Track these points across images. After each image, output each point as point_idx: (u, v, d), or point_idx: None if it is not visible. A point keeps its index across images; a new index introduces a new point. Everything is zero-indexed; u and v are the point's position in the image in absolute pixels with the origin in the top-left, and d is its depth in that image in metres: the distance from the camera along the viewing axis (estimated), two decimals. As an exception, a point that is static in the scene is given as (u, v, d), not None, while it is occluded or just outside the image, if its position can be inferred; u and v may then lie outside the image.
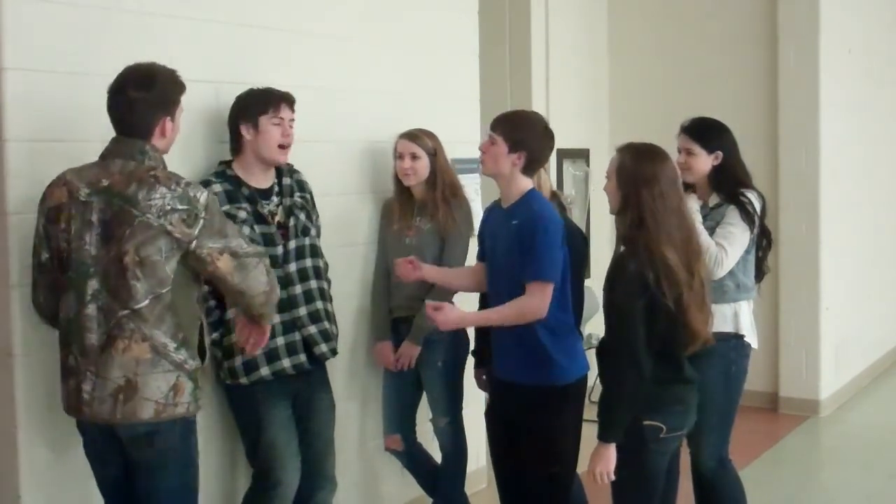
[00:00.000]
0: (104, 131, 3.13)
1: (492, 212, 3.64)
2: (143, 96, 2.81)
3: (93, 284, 2.77)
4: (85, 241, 2.77)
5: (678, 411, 3.13)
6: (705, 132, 3.84)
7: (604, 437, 3.05)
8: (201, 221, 2.77)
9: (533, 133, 3.45)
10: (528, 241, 3.35)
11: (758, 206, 3.76)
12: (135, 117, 2.82)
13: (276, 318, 3.48)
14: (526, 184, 3.47)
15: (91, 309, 2.77)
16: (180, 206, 2.74)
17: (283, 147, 3.53)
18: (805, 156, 6.46)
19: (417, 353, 4.07)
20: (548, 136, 3.52)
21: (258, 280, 2.92)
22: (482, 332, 4.04)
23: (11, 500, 3.08)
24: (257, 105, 3.49)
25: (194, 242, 2.77)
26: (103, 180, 2.78)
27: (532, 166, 3.47)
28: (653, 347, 3.00)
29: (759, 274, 3.91)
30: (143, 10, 3.37)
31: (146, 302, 2.75)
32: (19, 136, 3.04)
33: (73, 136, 3.14)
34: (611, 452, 3.04)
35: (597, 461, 3.05)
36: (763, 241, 3.87)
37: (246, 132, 3.49)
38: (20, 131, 3.04)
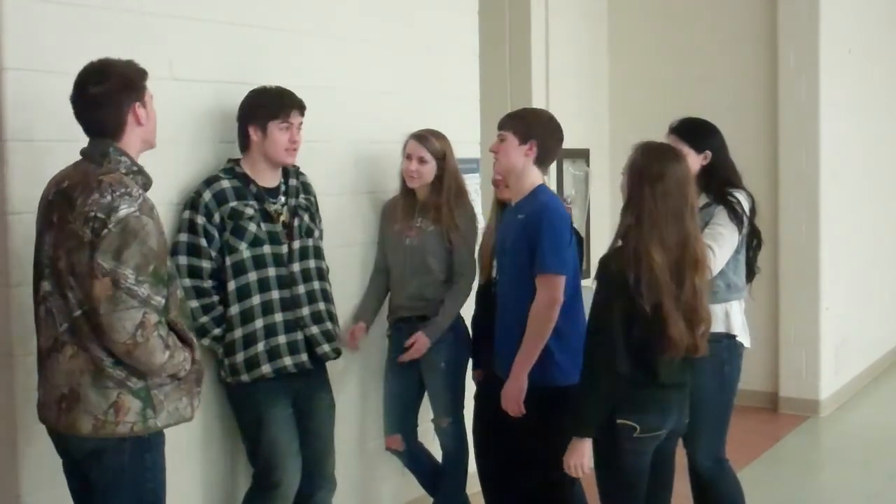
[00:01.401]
0: (104, 131, 3.13)
1: (505, 214, 3.67)
2: (102, 89, 2.68)
3: (45, 286, 2.69)
4: (45, 241, 2.71)
5: (654, 412, 3.11)
6: (694, 132, 3.83)
7: (576, 431, 3.08)
8: (105, 232, 2.56)
9: (541, 123, 3.53)
10: (534, 235, 3.37)
11: (746, 206, 3.74)
12: (102, 113, 2.70)
13: (279, 318, 3.51)
14: (537, 177, 3.51)
15: (42, 310, 2.71)
16: (100, 215, 2.57)
17: (290, 150, 3.55)
18: (805, 156, 6.46)
19: (426, 349, 4.04)
20: (555, 125, 3.57)
21: (123, 325, 2.56)
22: (478, 335, 4.05)
23: (11, 500, 3.08)
24: (269, 109, 3.49)
25: (93, 254, 2.56)
26: (64, 181, 2.70)
27: (544, 158, 3.50)
28: (630, 349, 3.00)
29: (750, 274, 3.89)
30: (143, 10, 3.37)
31: (79, 312, 2.63)
32: (19, 136, 3.04)
33: (73, 136, 3.12)
34: (584, 446, 3.07)
35: (570, 454, 3.09)
36: (753, 241, 3.85)
37: (254, 134, 3.50)
38: (20, 131, 3.04)
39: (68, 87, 3.13)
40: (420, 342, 4.03)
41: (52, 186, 2.76)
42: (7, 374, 3.05)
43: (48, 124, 3.09)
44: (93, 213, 2.57)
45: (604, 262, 3.07)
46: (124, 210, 2.58)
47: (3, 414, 3.07)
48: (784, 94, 6.53)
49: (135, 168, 2.74)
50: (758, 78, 6.68)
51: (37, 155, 3.06)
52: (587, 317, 3.18)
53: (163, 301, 2.68)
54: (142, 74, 2.78)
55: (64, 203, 2.65)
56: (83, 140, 3.12)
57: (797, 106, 6.47)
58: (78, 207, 2.60)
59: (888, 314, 8.01)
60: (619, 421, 3.05)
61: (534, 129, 3.48)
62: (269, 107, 3.49)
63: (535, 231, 3.37)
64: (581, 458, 3.07)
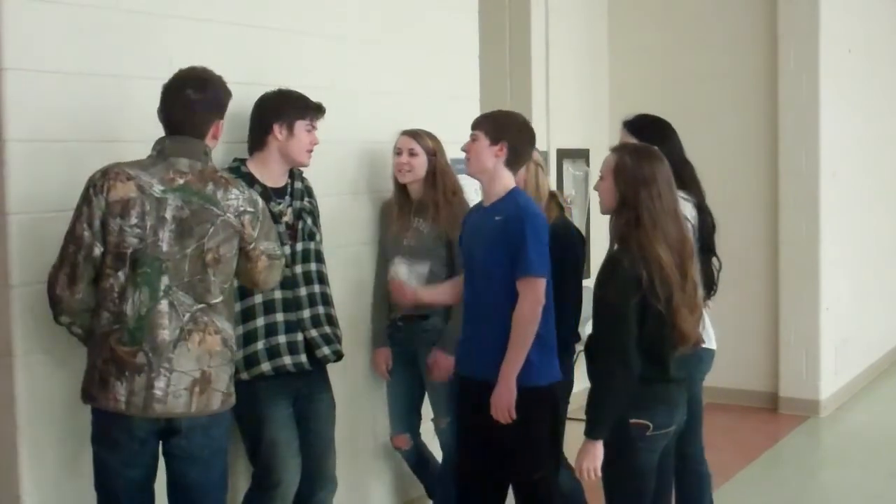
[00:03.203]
0: (104, 131, 3.15)
1: (471, 215, 3.69)
2: (202, 97, 2.91)
3: (165, 280, 2.81)
4: (159, 238, 2.79)
5: (664, 409, 3.13)
6: (646, 129, 3.81)
7: (591, 433, 3.06)
8: (259, 224, 2.95)
9: (513, 125, 3.54)
10: (516, 237, 3.38)
11: (691, 214, 3.65)
12: (195, 118, 2.91)
13: (280, 317, 3.51)
14: (510, 180, 3.52)
15: (164, 305, 2.80)
16: (250, 209, 2.92)
17: (310, 152, 3.60)
18: (805, 156, 6.46)
19: (451, 364, 3.91)
20: (528, 128, 3.60)
21: (274, 279, 3.13)
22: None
23: (11, 500, 3.08)
24: (296, 109, 3.53)
25: (253, 244, 2.94)
26: (178, 178, 2.84)
27: (515, 160, 3.51)
28: (641, 346, 3.01)
29: (708, 288, 3.80)
30: (143, 10, 3.37)
31: (221, 297, 2.88)
32: (19, 136, 3.03)
33: (72, 136, 3.14)
34: (597, 449, 3.05)
35: (583, 457, 3.06)
36: (709, 256, 3.79)
37: (279, 132, 3.51)
38: (20, 131, 3.03)
39: (68, 87, 3.14)
40: (442, 362, 3.98)
41: (149, 182, 2.80)
42: (7, 374, 3.05)
43: (48, 124, 3.09)
44: (243, 208, 2.91)
45: (612, 263, 3.07)
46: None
47: (3, 414, 3.07)
48: (784, 94, 6.53)
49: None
50: (758, 78, 6.68)
51: (37, 155, 3.06)
52: (591, 317, 3.17)
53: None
54: (229, 94, 3.04)
55: (194, 199, 2.83)
56: (83, 140, 3.14)
57: (797, 106, 6.47)
58: (221, 201, 2.87)
59: (888, 314, 8.01)
60: (632, 421, 3.06)
61: (505, 130, 3.49)
62: (298, 107, 3.54)
63: (517, 234, 3.37)
64: (595, 460, 3.05)
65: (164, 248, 2.79)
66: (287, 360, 3.52)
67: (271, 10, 3.85)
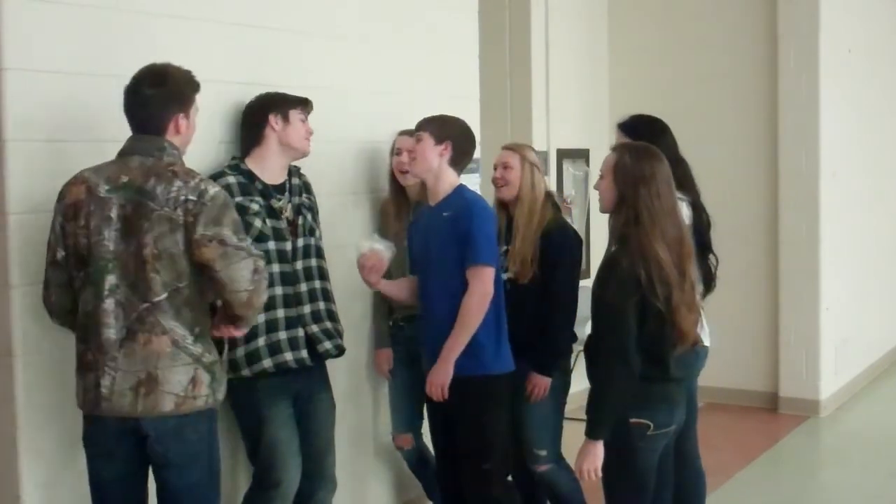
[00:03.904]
0: (104, 131, 3.14)
1: (419, 217, 3.76)
2: (155, 92, 2.87)
3: (111, 279, 2.80)
4: (104, 237, 2.80)
5: (664, 409, 3.14)
6: (641, 129, 3.83)
7: (592, 434, 3.06)
8: (204, 209, 2.80)
9: (456, 127, 3.67)
10: (463, 229, 3.49)
11: (686, 214, 3.67)
12: (149, 114, 2.88)
13: (281, 314, 3.52)
14: (455, 178, 3.64)
15: (109, 303, 2.80)
16: (192, 197, 2.79)
17: (307, 139, 3.63)
18: (805, 156, 6.46)
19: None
20: (470, 131, 3.73)
21: (241, 274, 2.83)
22: None
23: (11, 500, 3.08)
24: (287, 101, 3.59)
25: (193, 228, 2.79)
26: (122, 176, 2.82)
27: (458, 159, 3.63)
28: (641, 346, 3.01)
29: (707, 287, 3.85)
30: (143, 10, 3.37)
31: (165, 295, 2.79)
32: (19, 136, 3.03)
33: (73, 136, 3.14)
34: (598, 449, 3.05)
35: (584, 458, 3.06)
36: (706, 253, 3.83)
37: (275, 122, 3.55)
38: (20, 131, 3.03)
39: (68, 87, 3.14)
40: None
41: (97, 182, 2.82)
42: (7, 374, 3.05)
43: (48, 124, 3.09)
44: (184, 197, 2.78)
45: (611, 262, 3.07)
46: (213, 189, 2.85)
47: (3, 414, 3.07)
48: (784, 94, 6.53)
49: (182, 163, 2.92)
50: (758, 78, 6.69)
51: (37, 155, 3.06)
52: (591, 317, 3.18)
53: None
54: (194, 87, 2.98)
55: (137, 196, 2.78)
56: (83, 140, 3.13)
57: (797, 106, 6.47)
58: (161, 196, 2.78)
59: (888, 314, 8.01)
60: (632, 420, 3.06)
61: (449, 130, 3.62)
62: (288, 99, 3.60)
63: (465, 226, 3.49)
64: (595, 461, 3.05)
65: (111, 246, 2.79)
66: (288, 356, 3.53)
67: (271, 10, 3.85)
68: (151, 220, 2.77)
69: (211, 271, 2.82)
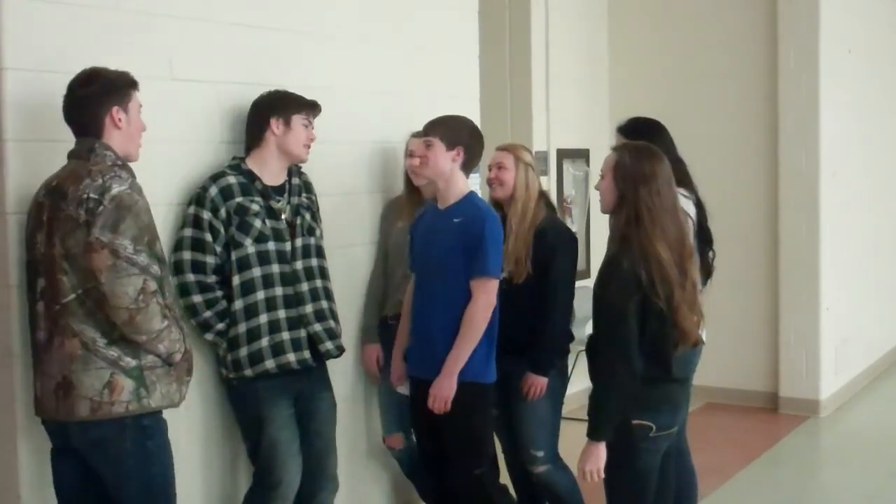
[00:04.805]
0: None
1: (423, 217, 3.75)
2: (86, 92, 2.84)
3: (41, 282, 2.82)
4: (37, 241, 2.82)
5: (667, 410, 3.13)
6: (640, 131, 3.84)
7: (593, 435, 3.05)
8: (100, 209, 2.69)
9: (467, 130, 3.66)
10: (475, 239, 3.48)
11: (692, 212, 3.71)
12: (83, 114, 2.85)
13: (283, 314, 3.52)
14: (465, 184, 3.64)
15: (40, 306, 2.82)
16: (94, 196, 2.71)
17: (307, 146, 3.62)
18: (805, 156, 6.46)
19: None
20: (479, 133, 3.72)
21: (125, 290, 2.69)
22: None
23: (11, 500, 3.08)
24: (293, 105, 3.57)
25: (89, 230, 2.69)
26: (54, 181, 2.83)
27: (468, 163, 3.62)
28: (643, 346, 3.01)
29: (706, 275, 3.89)
30: (143, 10, 3.37)
31: (73, 296, 2.75)
32: (19, 136, 3.03)
33: (72, 136, 3.14)
34: (600, 451, 3.04)
35: (586, 459, 3.05)
36: (707, 245, 3.88)
37: (276, 126, 3.54)
38: (20, 131, 3.03)
39: (68, 87, 3.14)
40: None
41: (41, 189, 2.87)
42: (7, 374, 3.05)
43: (48, 124, 3.08)
44: (86, 196, 2.70)
45: (612, 262, 3.06)
46: (116, 188, 2.72)
47: (3, 413, 3.07)
48: (784, 94, 6.53)
49: (119, 162, 2.84)
50: (758, 78, 6.68)
51: (37, 155, 3.06)
52: (592, 317, 3.17)
53: (160, 273, 2.81)
54: (129, 83, 2.91)
55: (56, 198, 2.77)
56: (82, 140, 3.12)
57: (797, 106, 6.47)
58: (70, 195, 2.72)
59: (888, 314, 8.01)
60: (634, 422, 3.05)
61: (460, 135, 3.60)
62: (294, 102, 3.58)
63: (476, 236, 3.48)
64: (598, 463, 3.04)
65: (42, 249, 2.81)
66: (291, 357, 3.53)
67: (271, 10, 3.85)
68: (60, 220, 2.74)
69: (95, 280, 2.71)
